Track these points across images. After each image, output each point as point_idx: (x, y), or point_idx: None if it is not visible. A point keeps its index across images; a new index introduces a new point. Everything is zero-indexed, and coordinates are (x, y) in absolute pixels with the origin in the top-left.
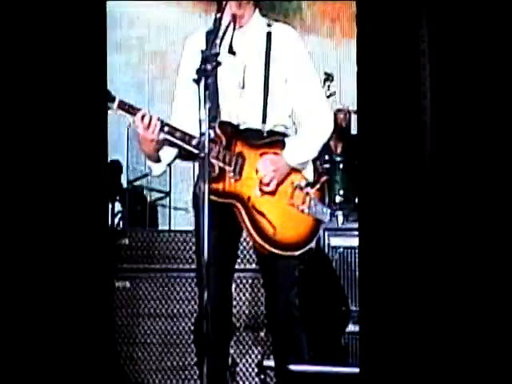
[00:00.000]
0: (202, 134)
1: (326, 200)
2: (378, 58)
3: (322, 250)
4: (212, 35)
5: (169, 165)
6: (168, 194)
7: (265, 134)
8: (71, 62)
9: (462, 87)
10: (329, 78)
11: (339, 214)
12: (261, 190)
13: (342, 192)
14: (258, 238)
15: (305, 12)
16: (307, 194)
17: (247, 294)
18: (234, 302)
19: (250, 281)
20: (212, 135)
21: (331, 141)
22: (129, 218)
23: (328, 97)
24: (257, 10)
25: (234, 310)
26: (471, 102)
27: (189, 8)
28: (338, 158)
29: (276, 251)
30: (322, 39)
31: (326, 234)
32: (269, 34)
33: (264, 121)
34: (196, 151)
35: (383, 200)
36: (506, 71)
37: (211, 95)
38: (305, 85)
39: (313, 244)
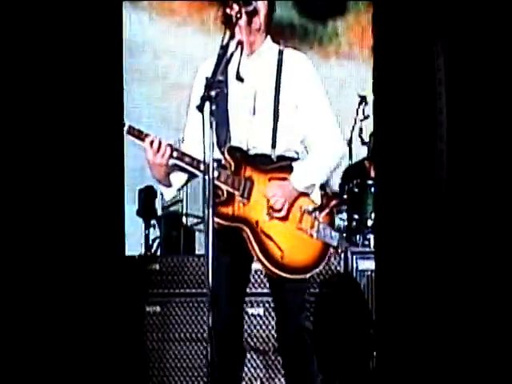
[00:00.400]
0: (213, 160)
1: (336, 224)
2: (394, 87)
3: (350, 274)
4: (218, 61)
5: (180, 189)
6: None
7: (274, 159)
8: (89, 89)
9: (479, 115)
10: (363, 101)
11: (371, 237)
12: (270, 214)
13: (373, 215)
14: (266, 262)
15: (340, 38)
16: (316, 218)
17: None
18: (264, 326)
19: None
20: (221, 160)
21: (366, 164)
22: (164, 244)
23: (362, 120)
24: (268, 37)
25: (263, 334)
26: (487, 130)
27: (215, 35)
28: (370, 182)
29: (284, 275)
30: (358, 64)
31: (354, 257)
32: (280, 61)
33: (274, 146)
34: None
35: (399, 226)
36: None
37: (222, 121)
38: (315, 111)
39: (320, 267)
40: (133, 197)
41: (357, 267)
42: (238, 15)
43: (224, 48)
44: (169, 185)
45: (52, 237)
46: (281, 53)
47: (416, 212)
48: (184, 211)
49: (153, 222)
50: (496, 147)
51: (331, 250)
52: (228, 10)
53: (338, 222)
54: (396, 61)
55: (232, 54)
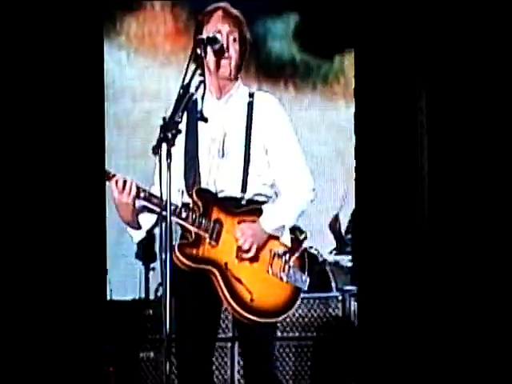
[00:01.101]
0: (183, 204)
1: (306, 268)
2: (376, 129)
3: (348, 317)
4: (177, 102)
5: (149, 231)
6: None
7: (244, 203)
8: (71, 135)
9: (459, 157)
10: None
11: None
12: (239, 256)
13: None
14: (235, 305)
15: (347, 75)
16: (286, 261)
17: (290, 363)
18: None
19: (293, 349)
20: (189, 202)
21: None
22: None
23: None
24: (239, 79)
25: None
26: (468, 172)
27: None
28: None
29: (254, 318)
30: None
31: (352, 299)
32: (250, 104)
33: (243, 190)
34: (173, 218)
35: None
36: (502, 143)
37: (191, 162)
38: (285, 154)
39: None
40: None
41: (354, 310)
42: (203, 54)
43: (184, 88)
44: (137, 227)
45: (38, 280)
46: (251, 95)
47: (398, 254)
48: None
49: (153, 265)
50: (476, 188)
51: (302, 293)
52: (198, 50)
53: (345, 263)
54: (377, 103)
55: (190, 95)
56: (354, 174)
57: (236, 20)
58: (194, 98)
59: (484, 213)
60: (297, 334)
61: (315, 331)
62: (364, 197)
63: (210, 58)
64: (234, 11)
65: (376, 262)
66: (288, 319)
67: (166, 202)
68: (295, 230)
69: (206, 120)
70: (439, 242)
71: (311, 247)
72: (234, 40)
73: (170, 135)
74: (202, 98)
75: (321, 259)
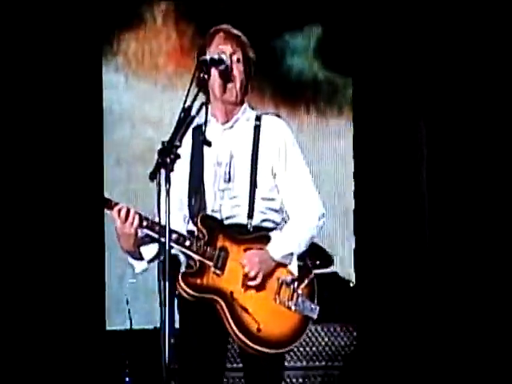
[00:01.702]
0: (188, 232)
1: (316, 296)
2: (375, 161)
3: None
4: (178, 125)
5: (151, 261)
6: None
7: (250, 230)
8: (69, 162)
9: (459, 190)
10: None
11: None
12: (245, 284)
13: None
14: (241, 336)
15: None
16: (294, 290)
17: None
18: None
19: (319, 378)
20: (194, 229)
21: None
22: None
23: None
24: (245, 105)
25: None
26: (468, 202)
27: None
28: None
29: (261, 349)
30: None
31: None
32: (257, 127)
33: (250, 216)
34: (176, 247)
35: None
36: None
37: (196, 188)
38: (294, 179)
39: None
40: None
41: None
42: (206, 76)
43: (185, 111)
44: (139, 257)
45: (35, 312)
46: (258, 118)
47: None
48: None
49: None
50: (477, 225)
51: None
52: (201, 73)
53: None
54: (376, 136)
55: (192, 119)
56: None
57: (238, 40)
58: (196, 121)
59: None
60: (304, 364)
61: (323, 360)
62: (364, 234)
63: (215, 81)
64: (236, 32)
65: (377, 295)
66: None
67: (171, 230)
68: (304, 256)
69: (209, 144)
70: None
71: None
72: (238, 60)
73: (168, 160)
74: (205, 122)
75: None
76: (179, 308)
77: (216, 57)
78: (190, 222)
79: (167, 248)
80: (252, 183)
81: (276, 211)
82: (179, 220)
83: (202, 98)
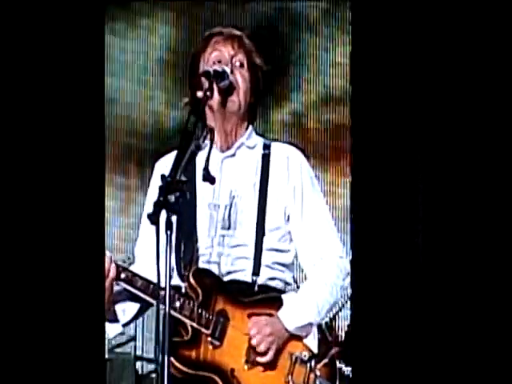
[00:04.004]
0: (174, 289)
1: (337, 378)
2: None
3: None
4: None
5: (127, 324)
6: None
7: (256, 289)
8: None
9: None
10: None
11: None
12: (251, 361)
13: None
14: None
15: None
16: (311, 369)
17: None
18: None
19: None
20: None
21: None
22: None
23: None
24: (250, 128)
25: None
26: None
27: None
28: None
29: None
30: None
31: None
32: (265, 157)
33: (256, 272)
34: (162, 307)
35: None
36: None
37: (186, 235)
38: (313, 226)
39: None
40: None
41: None
42: (209, 93)
43: (187, 139)
44: (114, 319)
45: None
46: (267, 147)
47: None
48: (137, 353)
49: None
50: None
51: None
52: (198, 93)
53: None
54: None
55: (199, 147)
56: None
57: (240, 42)
58: (201, 150)
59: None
60: None
61: None
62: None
63: (214, 98)
64: (238, 32)
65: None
66: None
67: (156, 285)
68: (322, 326)
69: (213, 181)
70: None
71: None
72: (241, 65)
73: (172, 199)
74: (209, 152)
75: None
76: None
77: (221, 69)
78: (175, 275)
79: (167, 312)
80: (259, 230)
81: (286, 266)
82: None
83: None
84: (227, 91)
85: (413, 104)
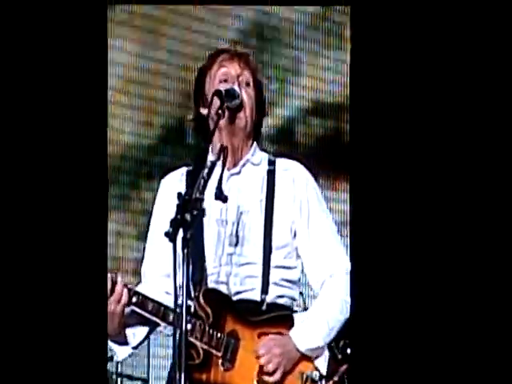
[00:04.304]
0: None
1: None
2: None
3: None
4: (196, 175)
5: (137, 347)
6: (146, 382)
7: (264, 308)
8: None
9: None
10: None
11: None
12: (261, 381)
13: None
14: None
15: None
16: None
17: None
18: None
19: None
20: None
21: None
22: None
23: None
24: (255, 144)
25: None
26: None
27: None
28: None
29: None
30: None
31: None
32: (270, 174)
33: (265, 290)
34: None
35: None
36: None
37: (194, 253)
38: (320, 241)
39: None
40: None
41: None
42: (220, 112)
43: (202, 156)
44: (124, 342)
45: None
46: (272, 163)
47: None
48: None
49: None
50: None
51: None
52: (202, 110)
53: None
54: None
55: (213, 165)
56: None
57: (247, 60)
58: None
59: None
60: None
61: None
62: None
63: (223, 110)
64: (243, 51)
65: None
66: None
67: (167, 308)
68: (332, 345)
69: (225, 199)
70: None
71: None
72: (247, 84)
73: (189, 217)
74: (223, 170)
75: None
76: None
77: (230, 89)
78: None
79: (183, 339)
80: (266, 247)
81: (293, 283)
82: (168, 292)
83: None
84: (236, 110)
85: (412, 107)
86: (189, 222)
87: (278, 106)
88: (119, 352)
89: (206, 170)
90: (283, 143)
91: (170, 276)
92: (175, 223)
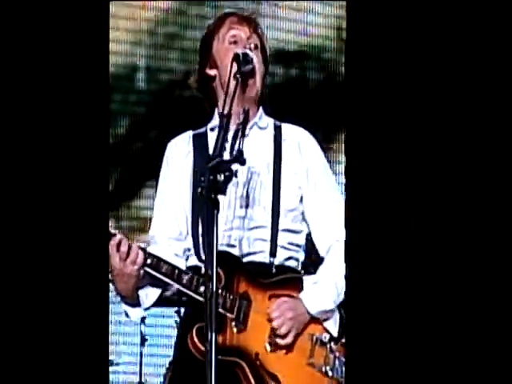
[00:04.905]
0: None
1: None
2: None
3: None
4: (218, 137)
5: (148, 308)
6: None
7: (273, 271)
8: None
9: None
10: None
11: None
12: (273, 343)
13: None
14: None
15: None
16: (332, 351)
17: None
18: None
19: None
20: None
21: None
22: None
23: None
24: (261, 108)
25: None
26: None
27: None
28: None
29: None
30: None
31: None
32: (277, 138)
33: (273, 253)
34: (189, 292)
35: None
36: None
37: (205, 217)
38: (328, 204)
39: None
40: None
41: None
42: (238, 76)
43: (224, 118)
44: (137, 303)
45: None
46: (278, 128)
47: None
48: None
49: None
50: None
51: None
52: (209, 71)
53: None
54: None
55: (226, 126)
56: None
57: (255, 24)
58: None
59: None
60: None
61: None
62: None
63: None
64: (251, 15)
65: None
66: None
67: (182, 271)
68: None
69: (244, 162)
70: None
71: None
72: (256, 47)
73: (221, 178)
74: (243, 132)
75: None
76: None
77: (245, 53)
78: (191, 257)
79: (214, 298)
80: (275, 210)
81: (299, 246)
82: (178, 254)
83: None
84: (248, 74)
85: (408, 104)
86: (220, 183)
87: None
88: (132, 313)
89: (229, 133)
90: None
91: (179, 238)
92: (209, 185)
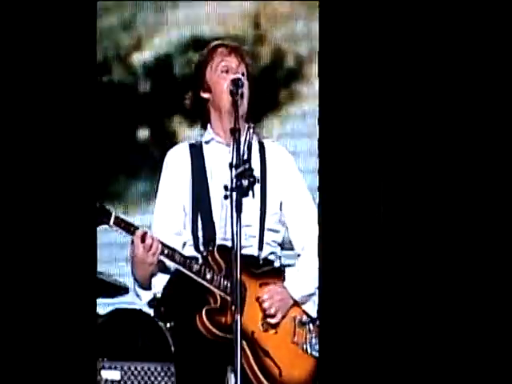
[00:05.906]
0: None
1: None
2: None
3: None
4: (233, 147)
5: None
6: None
7: (261, 263)
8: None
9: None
10: None
11: None
12: (264, 323)
13: None
14: (264, 381)
15: None
16: (310, 330)
17: None
18: None
19: None
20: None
21: None
22: None
23: None
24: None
25: None
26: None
27: None
28: None
29: None
30: None
31: None
32: (261, 152)
33: (261, 248)
34: (198, 279)
35: None
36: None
37: (205, 216)
38: (303, 210)
39: None
40: None
41: None
42: (238, 98)
43: (238, 132)
44: (148, 287)
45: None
46: (261, 144)
47: None
48: None
49: None
50: None
51: None
52: (203, 94)
53: None
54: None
55: (238, 139)
56: None
57: (243, 54)
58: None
59: None
60: None
61: None
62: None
63: (226, 101)
64: (238, 44)
65: None
66: None
67: (192, 259)
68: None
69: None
70: None
71: None
72: (242, 75)
73: (246, 183)
74: (250, 146)
75: None
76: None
77: (240, 78)
78: (189, 248)
79: (238, 288)
80: (262, 212)
81: (278, 244)
82: (177, 246)
83: None
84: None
85: (375, 102)
86: (244, 187)
87: None
88: (143, 295)
89: (246, 139)
90: None
91: (178, 233)
92: (232, 188)
